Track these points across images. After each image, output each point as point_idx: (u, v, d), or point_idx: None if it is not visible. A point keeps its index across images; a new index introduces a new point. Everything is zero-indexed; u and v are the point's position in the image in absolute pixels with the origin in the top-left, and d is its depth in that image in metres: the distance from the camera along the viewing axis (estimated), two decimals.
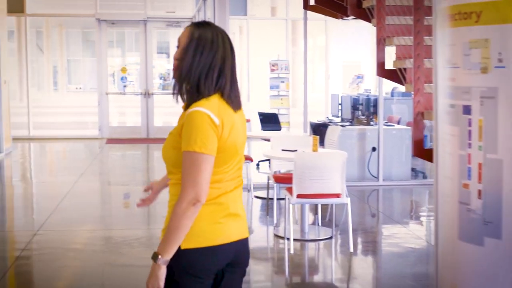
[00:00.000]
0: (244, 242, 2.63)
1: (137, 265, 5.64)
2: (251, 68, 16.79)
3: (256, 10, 16.95)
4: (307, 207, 6.72)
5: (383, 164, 9.50)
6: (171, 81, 27.69)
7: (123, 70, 16.64)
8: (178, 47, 2.55)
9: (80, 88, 43.79)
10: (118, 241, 6.54)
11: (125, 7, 17.44)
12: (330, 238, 6.62)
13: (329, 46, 16.38)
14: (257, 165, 10.92)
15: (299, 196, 6.02)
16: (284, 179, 7.08)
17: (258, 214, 7.94)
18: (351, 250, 6.15)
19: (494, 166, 3.41)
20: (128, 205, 8.73)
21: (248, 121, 15.27)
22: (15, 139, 14.06)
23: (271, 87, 14.59)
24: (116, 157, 13.54)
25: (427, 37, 5.12)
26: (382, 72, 5.92)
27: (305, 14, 9.34)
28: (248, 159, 8.72)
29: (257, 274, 5.77)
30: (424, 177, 10.17)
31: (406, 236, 6.82)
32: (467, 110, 3.51)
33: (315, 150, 6.60)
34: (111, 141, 15.41)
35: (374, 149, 9.59)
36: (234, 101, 2.52)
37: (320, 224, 7.14)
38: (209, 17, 11.85)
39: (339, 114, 10.92)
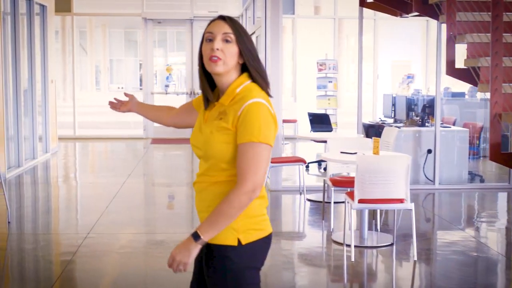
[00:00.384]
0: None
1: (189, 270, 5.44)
2: (297, 68, 16.54)
3: (300, 9, 16.69)
4: (366, 212, 6.44)
5: (439, 167, 9.17)
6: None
7: (168, 69, 16.53)
8: (216, 38, 2.50)
9: (122, 88, 44.04)
10: (171, 246, 6.34)
11: (171, 6, 17.32)
12: (391, 245, 6.33)
13: (377, 45, 16.02)
14: (307, 166, 10.65)
15: (361, 201, 5.75)
16: (342, 183, 6.82)
17: (313, 218, 7.67)
18: (415, 258, 5.85)
19: None
20: (174, 207, 8.56)
21: (294, 121, 15.05)
22: (60, 138, 14.01)
23: (318, 87, 14.32)
24: (162, 157, 13.41)
25: (507, 34, 4.83)
26: (452, 71, 5.61)
27: (361, 12, 9.06)
28: (301, 161, 8.47)
29: (314, 282, 5.53)
30: (481, 180, 9.81)
31: (470, 244, 6.50)
32: None
33: (376, 153, 6.33)
34: (156, 141, 15.31)
35: (429, 151, 9.27)
36: (269, 92, 2.55)
37: (379, 229, 6.86)
38: (258, 16, 11.64)
39: (392, 115, 10.59)
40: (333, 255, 6.19)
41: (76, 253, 6.00)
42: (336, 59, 15.01)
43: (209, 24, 2.56)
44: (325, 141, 10.83)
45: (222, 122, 2.43)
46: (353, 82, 19.16)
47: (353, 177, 7.26)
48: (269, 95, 2.55)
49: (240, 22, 12.38)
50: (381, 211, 7.17)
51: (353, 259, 5.80)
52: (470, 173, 9.68)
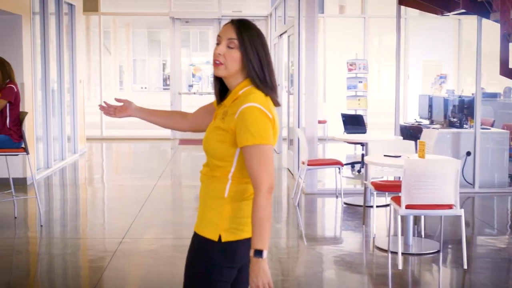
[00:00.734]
0: None
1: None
2: (327, 68, 16.31)
3: (328, 8, 16.47)
4: (411, 217, 6.20)
5: (479, 170, 8.90)
6: None
7: (196, 69, 16.37)
8: (221, 43, 2.59)
9: (145, 88, 44.06)
10: None
11: (199, 6, 17.17)
12: (437, 252, 6.08)
13: (408, 44, 15.73)
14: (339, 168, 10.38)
15: (408, 206, 5.52)
16: (385, 187, 6.59)
17: (352, 223, 7.44)
18: (465, 266, 5.59)
19: None
20: None
21: (324, 122, 14.84)
22: (87, 139, 13.89)
23: (348, 87, 14.09)
24: (190, 158, 13.23)
25: None
26: (506, 71, 5.36)
27: (398, 10, 8.82)
28: (338, 163, 8.25)
29: None
30: None
31: None
32: None
33: (422, 156, 6.08)
34: (183, 142, 15.15)
35: (468, 153, 9.00)
36: (274, 98, 2.60)
37: (423, 235, 6.61)
38: (290, 16, 11.43)
39: (428, 116, 10.32)
40: (376, 262, 5.94)
41: (112, 259, 5.82)
42: (366, 59, 14.75)
43: (221, 28, 2.65)
44: (358, 143, 10.61)
45: (221, 122, 2.55)
46: (378, 82, 18.90)
47: (396, 181, 7.04)
48: (274, 100, 2.61)
49: (269, 21, 12.22)
50: (424, 216, 6.93)
51: (400, 267, 5.56)
52: (510, 176, 9.38)
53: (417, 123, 10.19)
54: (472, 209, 8.33)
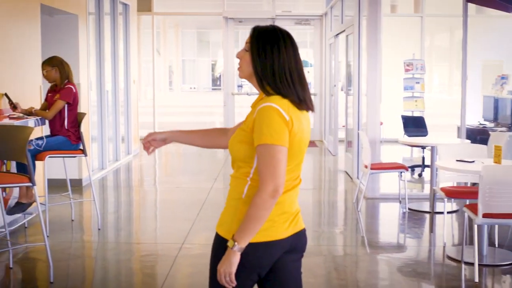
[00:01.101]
0: (299, 234, 2.70)
1: None
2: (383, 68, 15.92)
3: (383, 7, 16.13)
4: (485, 226, 5.86)
5: None
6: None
7: None
8: (245, 48, 2.64)
9: (194, 88, 44.15)
10: None
11: (252, 5, 16.98)
12: None
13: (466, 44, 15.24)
14: (400, 173, 10.04)
15: (485, 215, 5.19)
16: (458, 194, 6.26)
17: (418, 230, 7.13)
18: None
19: None
20: None
21: (380, 123, 14.47)
22: (141, 139, 13.78)
23: (405, 88, 13.71)
24: None
25: None
26: None
27: (465, 8, 8.44)
28: (403, 167, 7.94)
29: None
30: None
31: None
32: None
33: (498, 161, 5.75)
34: None
35: None
36: (301, 102, 2.58)
37: (496, 245, 6.27)
38: (348, 15, 11.15)
39: (494, 118, 9.92)
40: (447, 273, 5.63)
41: (173, 265, 5.63)
42: (423, 59, 14.35)
43: None
44: (424, 146, 10.24)
45: (245, 124, 2.58)
46: (430, 83, 18.44)
47: (468, 187, 6.71)
48: (295, 103, 2.58)
49: (323, 21, 11.91)
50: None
51: (476, 280, 5.25)
52: None
53: (481, 126, 9.80)
54: None
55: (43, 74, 6.83)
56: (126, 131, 12.24)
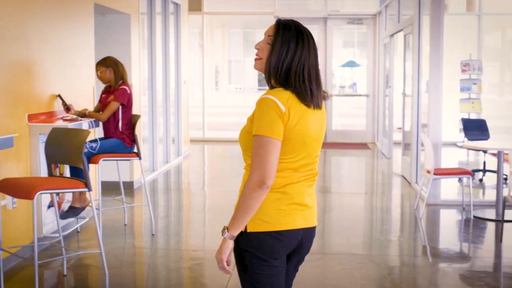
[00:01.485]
0: (310, 231, 2.72)
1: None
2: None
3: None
4: None
5: None
6: (346, 82, 26.65)
7: None
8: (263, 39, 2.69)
9: (240, 88, 44.07)
10: (349, 270, 5.62)
11: (304, 5, 16.72)
12: None
13: None
14: (460, 179, 9.64)
15: None
16: None
17: (485, 239, 6.77)
18: None
19: None
20: (347, 218, 7.79)
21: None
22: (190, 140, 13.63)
23: (462, 89, 13.28)
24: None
25: None
26: None
27: None
28: (467, 173, 7.57)
29: None
30: None
31: None
32: None
33: None
34: None
35: None
36: (312, 99, 2.59)
37: None
38: (405, 14, 10.80)
39: None
40: None
41: (233, 276, 5.37)
42: (480, 59, 13.89)
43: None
44: (479, 150, 9.84)
45: (252, 115, 2.60)
46: (486, 84, 17.91)
47: None
48: (302, 98, 2.58)
49: (377, 20, 11.59)
50: None
51: None
52: None
53: None
54: None
55: (97, 75, 6.65)
56: (177, 132, 12.06)
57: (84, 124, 6.23)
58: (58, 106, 6.51)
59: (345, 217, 7.73)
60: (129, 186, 8.91)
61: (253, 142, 2.52)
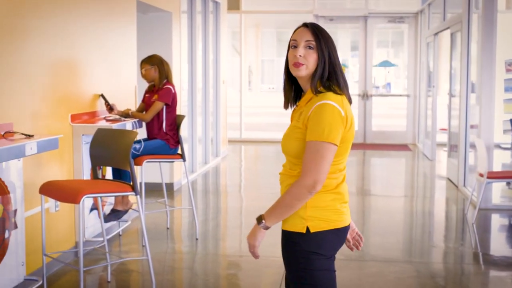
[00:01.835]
0: (349, 226, 2.82)
1: None
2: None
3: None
4: None
5: None
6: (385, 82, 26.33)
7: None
8: (299, 45, 2.69)
9: (273, 88, 43.84)
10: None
11: (339, 3, 16.44)
12: None
13: None
14: (508, 183, 9.27)
15: None
16: None
17: None
18: None
19: None
20: (409, 226, 7.55)
21: (476, 126, 13.69)
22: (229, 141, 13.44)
23: (506, 90, 12.90)
24: (357, 163, 12.45)
25: None
26: None
27: None
28: None
29: None
30: None
31: None
32: None
33: None
34: None
35: None
36: (348, 95, 2.70)
37: None
38: (451, 12, 10.49)
39: None
40: None
41: (282, 284, 5.14)
42: None
43: (294, 32, 2.75)
44: None
45: (297, 121, 2.66)
46: None
47: None
48: (349, 98, 2.70)
49: (419, 18, 11.28)
50: None
51: None
52: None
53: None
54: None
55: (142, 73, 6.45)
56: (215, 132, 11.86)
57: (128, 124, 6.04)
58: (100, 106, 6.33)
59: (385, 220, 7.47)
60: (169, 188, 8.73)
61: (309, 146, 2.56)
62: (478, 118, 8.38)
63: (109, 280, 5.22)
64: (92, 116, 6.13)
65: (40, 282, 4.81)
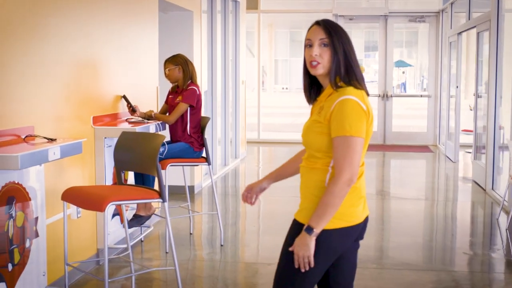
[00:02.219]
0: (366, 220, 2.81)
1: None
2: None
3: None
4: None
5: None
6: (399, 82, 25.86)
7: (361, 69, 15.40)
8: (314, 44, 2.74)
9: (286, 89, 43.65)
10: None
11: (359, 2, 16.21)
12: None
13: None
14: None
15: None
16: None
17: None
18: None
19: None
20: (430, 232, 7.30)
21: (500, 127, 13.42)
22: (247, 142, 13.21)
23: None
24: (376, 164, 12.19)
25: None
26: None
27: None
28: None
29: None
30: None
31: None
32: None
33: None
34: None
35: None
36: (366, 89, 2.73)
37: None
38: (476, 11, 10.22)
39: None
40: None
41: None
42: None
43: (308, 31, 2.78)
44: None
45: (317, 116, 2.70)
46: None
47: None
48: (367, 91, 2.73)
49: (440, 18, 11.03)
50: None
51: None
52: None
53: None
54: None
55: (165, 73, 6.22)
56: (234, 133, 11.64)
57: (152, 127, 5.82)
58: (122, 108, 6.12)
59: (407, 224, 7.25)
60: (190, 191, 8.48)
61: (338, 143, 2.60)
62: (508, 119, 8.11)
63: None
64: (114, 118, 5.92)
65: None
